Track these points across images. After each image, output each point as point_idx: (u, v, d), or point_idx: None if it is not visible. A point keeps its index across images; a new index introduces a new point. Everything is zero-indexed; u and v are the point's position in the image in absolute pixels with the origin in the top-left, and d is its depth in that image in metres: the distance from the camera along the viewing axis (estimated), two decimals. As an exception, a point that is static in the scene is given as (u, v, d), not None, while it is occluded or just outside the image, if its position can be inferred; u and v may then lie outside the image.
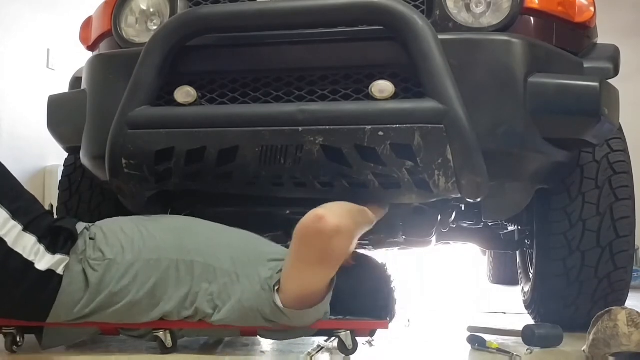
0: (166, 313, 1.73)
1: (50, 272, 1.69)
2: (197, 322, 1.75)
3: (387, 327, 1.84)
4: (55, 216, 2.05)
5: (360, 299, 1.86)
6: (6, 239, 1.65)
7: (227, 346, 1.94)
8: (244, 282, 1.73)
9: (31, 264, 1.67)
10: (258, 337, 1.90)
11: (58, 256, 1.70)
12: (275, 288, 1.70)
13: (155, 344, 1.76)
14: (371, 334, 1.88)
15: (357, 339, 1.79)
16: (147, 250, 1.76)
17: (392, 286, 1.97)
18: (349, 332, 1.77)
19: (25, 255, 1.66)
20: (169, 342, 1.75)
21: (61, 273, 1.70)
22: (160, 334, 1.75)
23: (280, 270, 1.72)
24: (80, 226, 1.80)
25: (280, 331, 1.78)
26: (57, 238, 1.73)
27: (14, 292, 1.68)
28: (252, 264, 1.77)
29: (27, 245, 1.67)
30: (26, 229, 1.68)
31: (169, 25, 1.90)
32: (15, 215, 1.68)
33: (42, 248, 1.69)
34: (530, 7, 1.93)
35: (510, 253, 4.04)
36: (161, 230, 1.83)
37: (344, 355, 1.78)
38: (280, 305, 1.69)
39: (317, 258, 1.65)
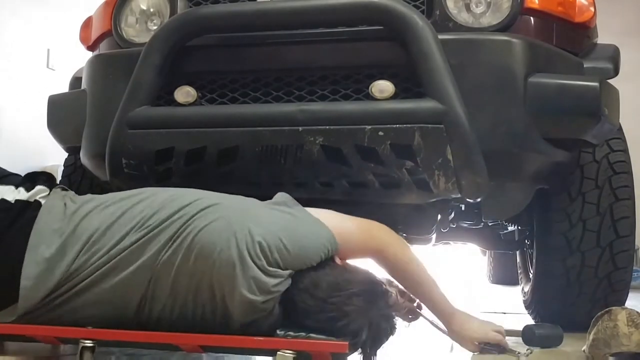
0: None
1: (28, 202, 1.60)
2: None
3: (345, 351, 1.43)
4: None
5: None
6: None
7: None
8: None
9: (11, 202, 1.60)
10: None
11: (38, 186, 1.65)
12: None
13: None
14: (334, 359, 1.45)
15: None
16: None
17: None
18: (291, 355, 1.38)
19: (7, 198, 1.60)
20: None
21: (41, 200, 1.61)
22: None
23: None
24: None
25: (224, 347, 1.52)
26: (35, 182, 1.68)
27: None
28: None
29: (7, 193, 1.62)
30: (0, 182, 1.65)
31: (169, 25, 1.90)
32: None
33: (22, 189, 1.64)
34: (530, 7, 1.93)
35: (510, 253, 4.04)
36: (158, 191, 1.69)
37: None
38: None
39: None
